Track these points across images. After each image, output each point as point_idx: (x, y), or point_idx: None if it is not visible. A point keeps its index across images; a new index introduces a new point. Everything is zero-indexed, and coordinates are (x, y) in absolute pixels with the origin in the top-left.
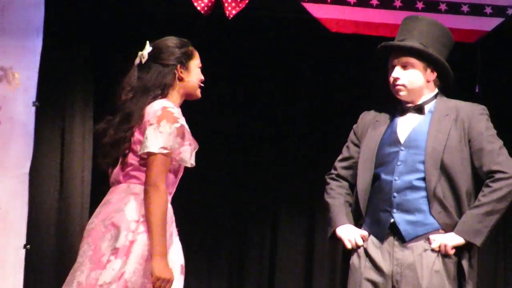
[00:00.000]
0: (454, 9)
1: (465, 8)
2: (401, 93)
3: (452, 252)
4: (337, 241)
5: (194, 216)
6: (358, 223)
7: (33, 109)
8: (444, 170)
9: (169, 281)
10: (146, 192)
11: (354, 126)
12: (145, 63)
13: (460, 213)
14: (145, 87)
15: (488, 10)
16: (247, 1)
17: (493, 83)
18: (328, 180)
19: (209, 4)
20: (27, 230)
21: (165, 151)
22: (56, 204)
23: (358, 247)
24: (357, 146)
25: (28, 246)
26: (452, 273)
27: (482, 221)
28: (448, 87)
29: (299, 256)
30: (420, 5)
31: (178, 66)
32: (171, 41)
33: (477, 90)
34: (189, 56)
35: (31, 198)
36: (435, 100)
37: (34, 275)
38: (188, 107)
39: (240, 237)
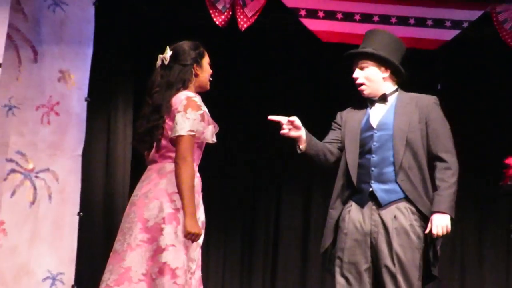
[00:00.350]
0: (421, 23)
1: (429, 22)
2: (363, 89)
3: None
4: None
5: (212, 189)
6: (349, 195)
7: (85, 103)
8: (409, 145)
9: (198, 235)
10: (177, 164)
11: (334, 120)
12: (167, 64)
13: (422, 180)
14: (169, 83)
15: (447, 23)
16: (256, 17)
17: (451, 81)
18: None
19: (226, 19)
20: (80, 200)
21: (192, 133)
22: (103, 179)
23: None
24: (339, 128)
25: (81, 213)
26: (417, 233)
27: (453, 199)
28: (404, 82)
29: (298, 222)
30: (393, 19)
31: (195, 65)
32: (187, 44)
33: (439, 87)
34: (201, 56)
35: (83, 174)
36: (396, 93)
37: (85, 237)
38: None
39: (249, 208)
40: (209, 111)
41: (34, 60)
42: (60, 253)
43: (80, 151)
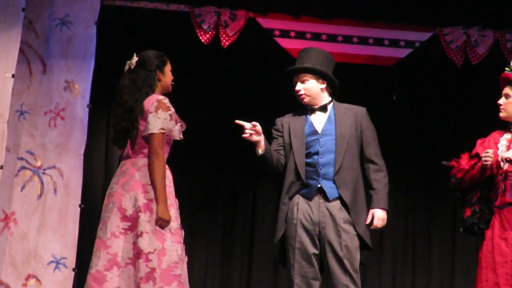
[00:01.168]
0: (378, 42)
1: (386, 42)
2: (305, 100)
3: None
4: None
5: (198, 181)
6: (297, 191)
7: (87, 109)
8: (348, 149)
9: (168, 221)
10: (150, 158)
11: (274, 127)
12: (134, 69)
13: (354, 179)
14: (137, 86)
15: (402, 43)
16: (236, 36)
17: (405, 93)
18: None
19: (210, 37)
20: (82, 194)
21: (162, 131)
22: (103, 176)
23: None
24: (281, 136)
25: (83, 205)
26: (356, 222)
27: (387, 196)
28: (336, 93)
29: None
30: (355, 39)
31: (158, 71)
32: (152, 53)
33: (394, 98)
34: (164, 63)
35: (85, 171)
36: (332, 103)
37: (86, 226)
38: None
39: (230, 196)
40: (191, 123)
41: (43, 71)
42: (64, 240)
43: (82, 151)
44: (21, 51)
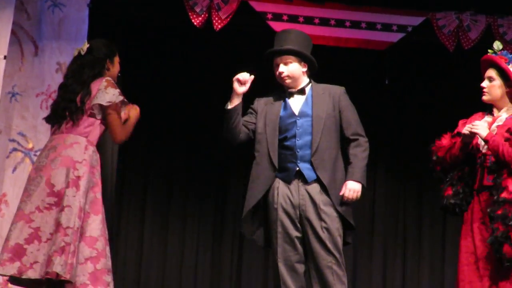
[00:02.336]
0: (371, 26)
1: (378, 26)
2: (287, 81)
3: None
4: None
5: (189, 165)
6: (272, 174)
7: None
8: (325, 130)
9: None
10: (112, 126)
11: (251, 106)
12: (83, 54)
13: (334, 159)
14: (84, 70)
15: (394, 27)
16: (229, 19)
17: (397, 76)
18: None
19: (203, 20)
20: None
21: (109, 104)
22: None
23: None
24: (254, 114)
25: None
26: (337, 203)
27: (364, 170)
28: (314, 74)
29: None
30: (347, 23)
31: (108, 60)
32: (102, 41)
33: (386, 82)
34: (113, 54)
35: None
36: (310, 85)
37: None
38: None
39: (221, 179)
40: (189, 100)
41: (35, 53)
42: None
43: None
44: (13, 32)
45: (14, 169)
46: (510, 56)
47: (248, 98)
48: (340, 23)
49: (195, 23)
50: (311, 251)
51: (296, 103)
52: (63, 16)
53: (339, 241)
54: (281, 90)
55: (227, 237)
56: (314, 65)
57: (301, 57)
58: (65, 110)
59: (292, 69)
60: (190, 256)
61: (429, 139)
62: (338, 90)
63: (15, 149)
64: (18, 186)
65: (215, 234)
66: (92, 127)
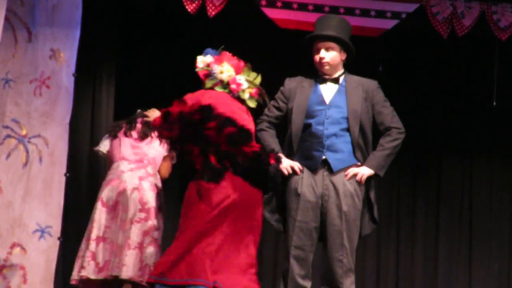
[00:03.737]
0: (365, 13)
1: (372, 13)
2: (326, 68)
3: (364, 179)
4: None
5: None
6: (300, 162)
7: (72, 78)
8: (361, 125)
9: None
10: None
11: (281, 89)
12: None
13: (368, 152)
14: None
15: (388, 14)
16: (223, 5)
17: (390, 63)
18: (260, 123)
19: (196, 7)
20: (67, 162)
21: None
22: (88, 144)
23: (294, 172)
24: (284, 103)
25: (68, 174)
26: (360, 196)
27: (385, 160)
28: (349, 65)
29: None
30: (341, 10)
31: None
32: None
33: (380, 69)
34: None
35: (71, 140)
36: (344, 75)
37: (71, 195)
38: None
39: None
40: (175, 91)
41: (29, 40)
42: (49, 208)
43: (68, 119)
44: (6, 18)
45: (8, 156)
46: None
47: None
48: (334, 10)
49: (189, 10)
50: (325, 241)
51: (328, 91)
52: (56, 2)
53: (356, 234)
54: (313, 74)
55: None
56: (353, 55)
57: (343, 45)
58: None
59: (332, 56)
60: None
61: (423, 125)
62: (372, 85)
63: (8, 136)
64: (11, 172)
65: None
66: None
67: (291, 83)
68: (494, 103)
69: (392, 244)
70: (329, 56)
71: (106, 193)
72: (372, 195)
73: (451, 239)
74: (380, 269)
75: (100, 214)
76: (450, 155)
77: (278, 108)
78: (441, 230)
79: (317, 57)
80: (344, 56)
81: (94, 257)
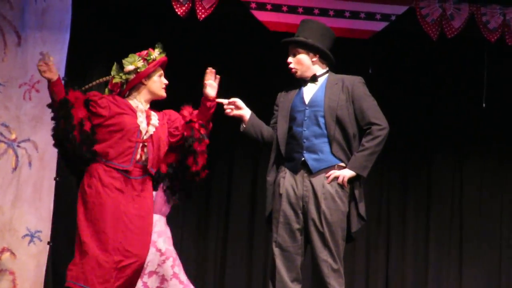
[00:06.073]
0: (355, 15)
1: (362, 15)
2: (297, 73)
3: (346, 181)
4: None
5: None
6: (282, 163)
7: (62, 82)
8: (338, 121)
9: None
10: None
11: (275, 102)
12: None
13: (350, 151)
14: None
15: (378, 16)
16: (212, 8)
17: (381, 66)
18: None
19: (186, 10)
20: (56, 167)
21: None
22: None
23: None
24: (278, 110)
25: (57, 178)
26: (344, 197)
27: (367, 160)
28: (332, 65)
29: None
30: (331, 12)
31: None
32: None
33: (370, 71)
34: None
35: None
36: (327, 75)
37: (61, 199)
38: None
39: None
40: (168, 95)
41: (18, 44)
42: (39, 213)
43: None
44: None
45: None
46: None
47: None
48: (323, 12)
49: (178, 13)
50: (310, 242)
51: (308, 92)
52: (46, 6)
53: (340, 234)
54: (300, 80)
55: (212, 227)
56: (326, 54)
57: (308, 48)
58: None
59: (299, 60)
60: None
61: (413, 126)
62: (352, 80)
63: None
64: (1, 177)
65: (199, 227)
66: None
67: (281, 94)
68: (484, 105)
69: (382, 245)
70: (295, 60)
71: None
72: (357, 193)
73: (441, 240)
74: (369, 270)
75: None
76: (440, 156)
77: (275, 117)
78: (432, 230)
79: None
80: (316, 57)
81: None
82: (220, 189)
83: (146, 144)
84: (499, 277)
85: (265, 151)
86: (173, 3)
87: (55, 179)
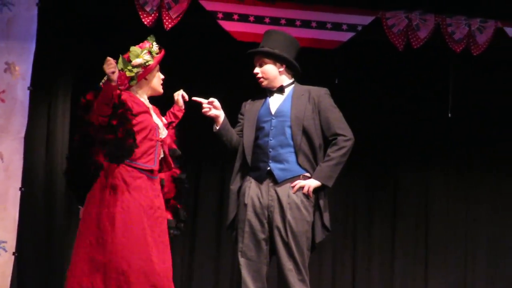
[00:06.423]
0: (321, 26)
1: (328, 25)
2: (263, 83)
3: (311, 191)
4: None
5: None
6: (247, 173)
7: (28, 92)
8: (304, 132)
9: None
10: None
11: (240, 111)
12: None
13: (315, 161)
14: None
15: (344, 27)
16: (179, 18)
17: (346, 76)
18: None
19: (153, 19)
20: (22, 177)
21: None
22: (44, 158)
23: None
24: (242, 119)
25: (23, 188)
26: (309, 207)
27: (333, 170)
28: (298, 75)
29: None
30: (298, 23)
31: None
32: None
33: (336, 82)
34: None
35: (26, 154)
36: (293, 85)
37: (27, 210)
38: None
39: None
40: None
41: None
42: (4, 223)
43: (23, 133)
44: None
45: None
46: None
47: (205, 94)
48: (290, 22)
49: (145, 22)
50: (275, 252)
51: (274, 102)
52: (12, 16)
53: (305, 244)
54: (265, 90)
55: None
56: (293, 65)
57: (275, 58)
58: None
59: (266, 70)
60: None
61: (378, 136)
62: (318, 91)
63: None
64: None
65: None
66: None
67: (246, 103)
68: (450, 115)
69: (348, 256)
70: (262, 70)
71: None
72: (322, 203)
73: (407, 252)
74: (335, 281)
75: None
76: (406, 166)
77: (239, 125)
78: (397, 242)
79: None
80: (282, 67)
81: None
82: (187, 197)
83: (161, 142)
84: (465, 287)
85: (232, 159)
86: (140, 13)
87: (20, 189)
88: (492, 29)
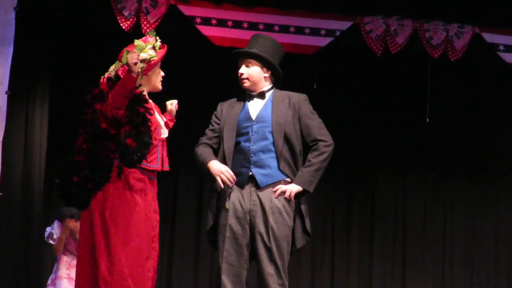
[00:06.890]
0: (299, 31)
1: (307, 30)
2: (245, 84)
3: (293, 195)
4: (211, 176)
5: None
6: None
7: (6, 96)
8: (286, 137)
9: None
10: None
11: (215, 112)
12: None
13: (296, 166)
14: None
15: (323, 32)
16: (157, 23)
17: (326, 81)
18: (196, 147)
19: (131, 24)
20: (0, 182)
21: None
22: (22, 164)
23: (229, 183)
24: (218, 124)
25: (1, 193)
26: (290, 212)
27: (313, 175)
28: (279, 82)
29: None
30: (276, 28)
31: None
32: None
33: (315, 86)
34: None
35: (4, 159)
36: (272, 91)
37: (4, 214)
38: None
39: None
40: None
41: None
42: None
43: (1, 138)
44: None
45: None
46: None
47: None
48: (268, 27)
49: (123, 27)
50: (256, 257)
51: (254, 107)
52: None
53: (286, 249)
54: (243, 93)
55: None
56: (278, 72)
57: (263, 62)
58: None
59: (252, 72)
60: None
61: (357, 142)
62: (298, 97)
63: None
64: None
65: None
66: None
67: (223, 105)
68: (427, 120)
69: (326, 262)
70: (248, 71)
71: None
72: (303, 208)
73: (385, 257)
74: (314, 286)
75: None
76: (384, 172)
77: (213, 130)
78: (375, 248)
79: (239, 73)
80: (268, 73)
81: None
82: (165, 202)
83: (162, 142)
84: None
85: None
86: (118, 18)
87: None
88: (470, 35)
